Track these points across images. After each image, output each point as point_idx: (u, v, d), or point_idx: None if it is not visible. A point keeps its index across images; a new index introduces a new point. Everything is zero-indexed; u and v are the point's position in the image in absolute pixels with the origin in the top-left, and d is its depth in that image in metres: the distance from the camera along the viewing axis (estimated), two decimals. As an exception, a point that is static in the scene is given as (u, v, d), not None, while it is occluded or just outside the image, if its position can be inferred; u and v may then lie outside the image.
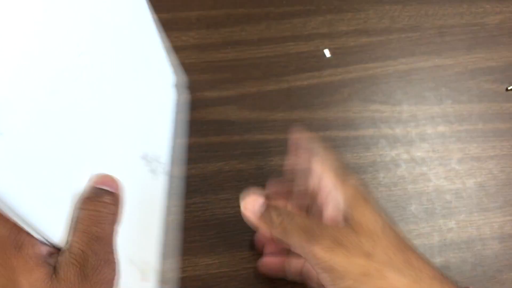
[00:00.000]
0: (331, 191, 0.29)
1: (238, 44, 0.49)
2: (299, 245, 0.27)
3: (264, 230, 0.30)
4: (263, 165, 0.42)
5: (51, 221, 0.23)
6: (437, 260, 0.38)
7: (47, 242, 0.24)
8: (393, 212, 0.40)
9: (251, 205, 0.30)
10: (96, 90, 0.27)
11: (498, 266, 0.38)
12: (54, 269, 0.23)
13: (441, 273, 0.27)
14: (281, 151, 0.42)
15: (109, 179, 0.27)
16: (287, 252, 0.33)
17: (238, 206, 0.30)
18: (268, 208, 0.29)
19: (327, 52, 0.49)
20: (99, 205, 0.25)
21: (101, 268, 0.24)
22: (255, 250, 0.37)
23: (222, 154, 0.42)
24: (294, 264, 0.33)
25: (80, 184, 0.25)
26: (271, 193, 0.33)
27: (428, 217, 0.40)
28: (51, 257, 0.24)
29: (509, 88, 0.47)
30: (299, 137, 0.32)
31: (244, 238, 0.38)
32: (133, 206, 0.29)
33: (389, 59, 0.48)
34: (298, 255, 0.28)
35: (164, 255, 0.36)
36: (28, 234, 0.23)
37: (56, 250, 0.24)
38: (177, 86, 0.39)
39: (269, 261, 0.35)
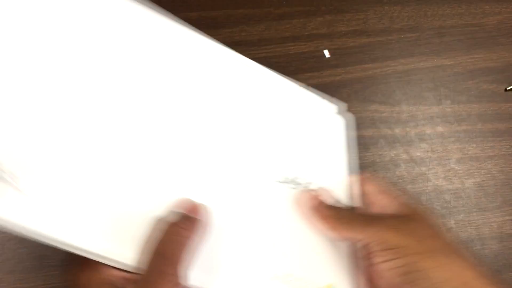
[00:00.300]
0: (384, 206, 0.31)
1: (238, 45, 0.49)
2: (349, 234, 0.29)
3: (318, 224, 0.31)
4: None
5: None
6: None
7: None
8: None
9: (307, 198, 0.32)
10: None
11: (497, 266, 0.38)
12: None
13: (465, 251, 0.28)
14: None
15: (190, 204, 0.28)
16: None
17: None
18: (320, 203, 0.31)
19: (326, 53, 0.49)
20: (174, 229, 0.26)
21: (159, 285, 0.24)
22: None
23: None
24: None
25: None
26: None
27: (427, 217, 0.40)
28: (126, 281, 0.26)
29: (508, 88, 0.47)
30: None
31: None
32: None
33: (389, 60, 0.49)
34: None
35: None
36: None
37: (131, 275, 0.26)
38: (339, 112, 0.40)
39: None
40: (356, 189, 0.34)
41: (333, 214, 0.30)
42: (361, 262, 0.31)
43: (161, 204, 0.28)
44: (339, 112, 0.40)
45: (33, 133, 0.26)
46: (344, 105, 0.40)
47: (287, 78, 0.39)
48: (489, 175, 0.42)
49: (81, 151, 0.27)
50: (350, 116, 0.39)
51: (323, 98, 0.40)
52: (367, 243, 0.28)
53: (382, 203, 0.31)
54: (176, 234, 0.26)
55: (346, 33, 0.51)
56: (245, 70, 0.38)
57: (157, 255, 0.25)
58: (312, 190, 0.33)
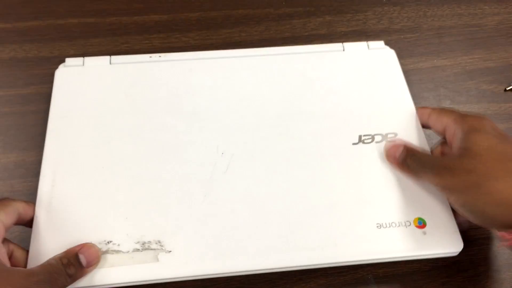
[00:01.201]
0: (454, 130, 0.34)
1: (238, 45, 0.49)
2: (425, 179, 0.34)
3: (404, 173, 0.36)
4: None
5: None
6: (436, 259, 0.38)
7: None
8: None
9: (392, 151, 0.36)
10: None
11: (497, 266, 0.38)
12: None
13: None
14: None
15: (90, 249, 0.31)
16: None
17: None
18: (405, 155, 0.35)
19: (326, 53, 0.49)
20: (63, 271, 0.29)
21: None
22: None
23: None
24: None
25: None
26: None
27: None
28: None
29: (507, 88, 0.47)
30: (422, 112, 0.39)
31: None
32: None
33: (363, 42, 0.49)
34: None
35: None
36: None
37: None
38: None
39: None
40: (419, 123, 0.39)
41: (410, 166, 0.35)
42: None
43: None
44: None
45: (167, 207, 0.34)
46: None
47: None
48: (488, 175, 0.42)
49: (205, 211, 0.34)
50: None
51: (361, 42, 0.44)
52: (442, 188, 0.32)
53: (442, 126, 0.36)
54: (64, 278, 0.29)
55: (346, 33, 0.51)
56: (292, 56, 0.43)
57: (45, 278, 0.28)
58: (391, 141, 0.37)
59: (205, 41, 0.49)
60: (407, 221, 0.34)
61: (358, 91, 0.41)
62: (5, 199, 0.32)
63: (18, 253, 0.32)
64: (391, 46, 0.44)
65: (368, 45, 0.44)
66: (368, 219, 0.34)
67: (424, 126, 0.39)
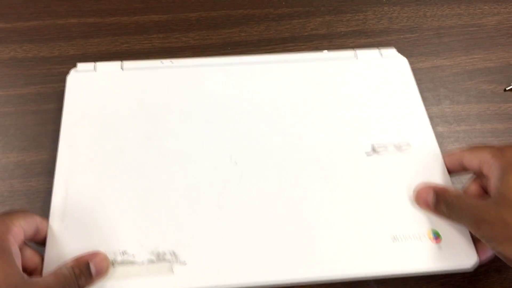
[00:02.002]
0: (491, 166, 0.32)
1: (237, 45, 0.49)
2: (462, 226, 0.33)
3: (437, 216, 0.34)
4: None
5: None
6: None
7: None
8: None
9: (423, 196, 0.35)
10: None
11: (497, 266, 0.38)
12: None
13: None
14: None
15: (100, 259, 0.31)
16: None
17: None
18: (437, 200, 0.34)
19: (326, 53, 0.49)
20: (75, 282, 0.29)
21: None
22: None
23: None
24: None
25: None
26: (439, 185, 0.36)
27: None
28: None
29: (507, 88, 0.47)
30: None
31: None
32: None
33: (375, 49, 0.49)
34: None
35: None
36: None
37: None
38: None
39: None
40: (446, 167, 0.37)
41: (445, 213, 0.33)
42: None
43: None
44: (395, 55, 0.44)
45: (181, 217, 0.34)
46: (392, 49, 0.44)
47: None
48: (488, 175, 0.42)
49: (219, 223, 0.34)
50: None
51: (374, 49, 0.44)
52: (480, 237, 0.31)
53: (479, 163, 0.34)
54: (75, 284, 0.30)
55: (346, 33, 0.51)
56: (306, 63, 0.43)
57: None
58: (419, 185, 0.36)
59: (205, 41, 0.49)
60: (421, 234, 0.34)
61: (371, 99, 0.40)
62: (24, 210, 0.32)
63: (34, 258, 0.32)
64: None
65: (381, 53, 0.44)
66: (382, 232, 0.34)
67: (455, 170, 0.37)
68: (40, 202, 0.38)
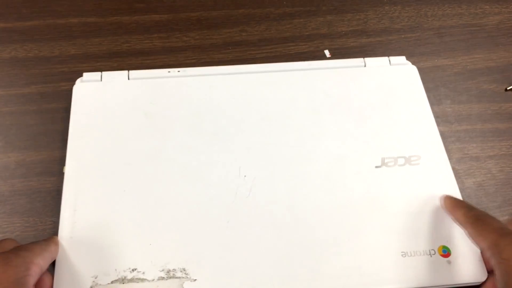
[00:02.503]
0: (491, 260, 0.31)
1: (238, 45, 0.49)
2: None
3: None
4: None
5: None
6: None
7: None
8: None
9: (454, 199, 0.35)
10: None
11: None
12: None
13: None
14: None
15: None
16: None
17: None
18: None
19: (327, 53, 0.49)
20: None
21: None
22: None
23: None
24: None
25: None
26: None
27: (427, 217, 0.40)
28: None
29: (508, 88, 0.47)
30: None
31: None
32: None
33: (385, 57, 0.49)
34: None
35: None
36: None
37: None
38: None
39: None
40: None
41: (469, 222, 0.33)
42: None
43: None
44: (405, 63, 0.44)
45: (191, 233, 0.34)
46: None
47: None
48: (489, 175, 0.42)
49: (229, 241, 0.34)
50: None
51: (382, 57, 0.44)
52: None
53: (481, 248, 0.33)
54: None
55: (347, 33, 0.51)
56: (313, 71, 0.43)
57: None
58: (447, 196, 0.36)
59: (205, 41, 0.49)
60: (431, 249, 0.34)
61: (380, 110, 0.40)
62: (42, 244, 0.31)
63: (46, 279, 0.32)
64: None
65: (389, 61, 0.44)
66: (393, 247, 0.34)
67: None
68: (41, 201, 0.38)
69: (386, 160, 0.38)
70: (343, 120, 0.40)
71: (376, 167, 0.37)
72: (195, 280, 0.32)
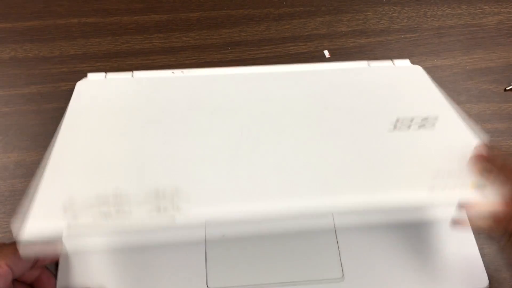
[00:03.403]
0: None
1: (238, 45, 0.49)
2: None
3: None
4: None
5: None
6: (436, 259, 0.38)
7: None
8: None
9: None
10: None
11: (496, 266, 0.38)
12: None
13: None
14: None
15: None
16: None
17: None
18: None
19: (326, 53, 0.49)
20: None
21: None
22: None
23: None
24: None
25: None
26: None
27: (427, 217, 0.40)
28: None
29: (507, 88, 0.47)
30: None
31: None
32: None
33: (388, 60, 0.49)
34: None
35: None
36: None
37: None
38: None
39: None
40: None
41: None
42: None
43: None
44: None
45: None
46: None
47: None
48: (488, 175, 0.42)
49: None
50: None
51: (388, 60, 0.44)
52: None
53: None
54: None
55: (346, 33, 0.51)
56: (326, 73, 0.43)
57: None
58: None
59: (205, 41, 0.49)
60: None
61: (391, 111, 0.39)
62: (16, 244, 0.29)
63: (46, 276, 0.31)
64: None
65: (394, 63, 0.44)
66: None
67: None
68: (41, 201, 0.38)
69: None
70: (347, 125, 0.38)
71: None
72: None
